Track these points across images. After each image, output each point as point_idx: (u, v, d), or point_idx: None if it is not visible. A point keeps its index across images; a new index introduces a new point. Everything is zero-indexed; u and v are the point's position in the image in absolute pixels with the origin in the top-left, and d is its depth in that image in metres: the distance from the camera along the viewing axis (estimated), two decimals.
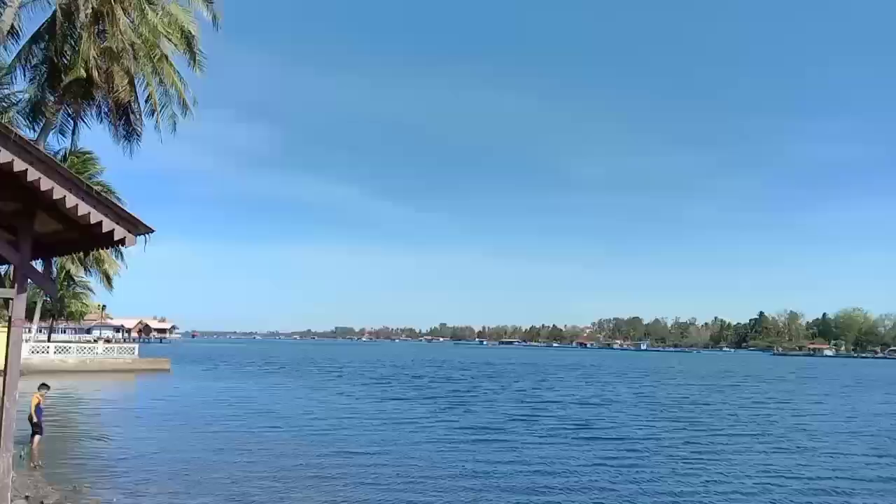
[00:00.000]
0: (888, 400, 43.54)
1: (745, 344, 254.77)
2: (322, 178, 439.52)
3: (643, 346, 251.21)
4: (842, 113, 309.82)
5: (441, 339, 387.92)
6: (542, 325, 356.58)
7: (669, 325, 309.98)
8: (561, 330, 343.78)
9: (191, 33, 23.08)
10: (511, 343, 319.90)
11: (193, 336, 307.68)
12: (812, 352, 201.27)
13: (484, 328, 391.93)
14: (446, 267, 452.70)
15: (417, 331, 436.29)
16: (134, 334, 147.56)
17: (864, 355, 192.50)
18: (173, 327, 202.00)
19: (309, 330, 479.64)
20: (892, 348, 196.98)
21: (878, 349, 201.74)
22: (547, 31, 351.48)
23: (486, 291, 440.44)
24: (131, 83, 21.62)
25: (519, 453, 18.96)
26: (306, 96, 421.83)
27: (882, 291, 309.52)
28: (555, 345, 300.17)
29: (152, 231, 8.10)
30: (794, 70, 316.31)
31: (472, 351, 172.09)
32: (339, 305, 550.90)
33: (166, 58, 23.15)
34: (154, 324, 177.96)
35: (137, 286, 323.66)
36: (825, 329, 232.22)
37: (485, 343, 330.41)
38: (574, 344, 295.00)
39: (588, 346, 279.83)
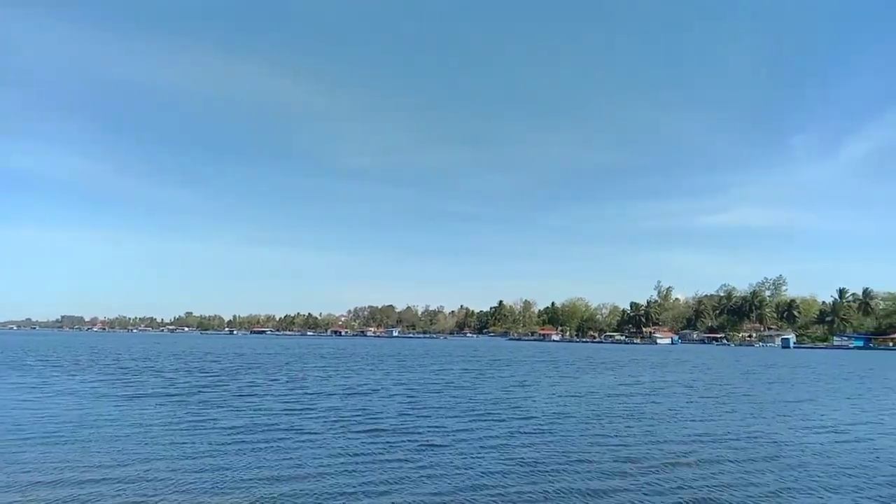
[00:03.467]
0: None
1: (485, 330, 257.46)
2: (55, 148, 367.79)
3: (395, 333, 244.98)
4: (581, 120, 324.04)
5: (186, 329, 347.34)
6: (297, 314, 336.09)
7: (420, 312, 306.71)
8: (316, 318, 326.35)
9: None
10: (264, 332, 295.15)
11: None
12: (542, 336, 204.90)
13: (235, 317, 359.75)
14: (195, 254, 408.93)
15: (159, 320, 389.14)
16: None
17: (584, 340, 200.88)
18: None
19: (28, 319, 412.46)
20: (608, 333, 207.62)
21: (595, 334, 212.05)
22: (336, 24, 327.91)
23: (239, 280, 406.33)
24: None
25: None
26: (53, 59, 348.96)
27: (600, 284, 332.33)
28: (309, 333, 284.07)
29: None
30: (549, 77, 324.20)
31: (217, 341, 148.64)
32: (67, 293, 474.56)
33: None
34: None
35: None
36: (554, 317, 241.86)
37: (235, 332, 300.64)
38: (329, 332, 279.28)
39: (342, 333, 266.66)
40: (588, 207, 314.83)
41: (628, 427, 20.27)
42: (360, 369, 46.19)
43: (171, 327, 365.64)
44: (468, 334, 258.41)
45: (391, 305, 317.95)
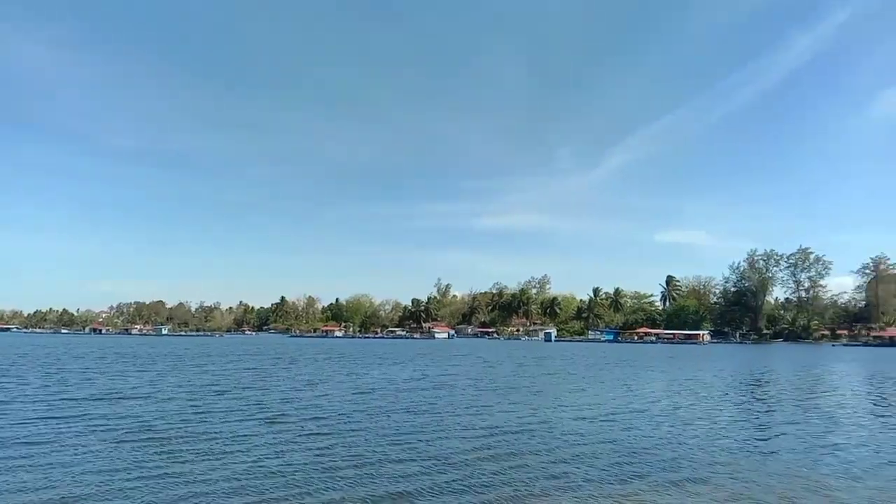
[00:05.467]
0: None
1: (266, 327, 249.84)
2: None
3: (165, 331, 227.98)
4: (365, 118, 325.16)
5: None
6: (50, 309, 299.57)
7: (194, 309, 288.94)
8: (73, 314, 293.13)
9: None
10: (8, 329, 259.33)
11: None
12: (325, 333, 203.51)
13: None
14: None
15: None
16: None
17: (367, 335, 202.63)
18: None
19: None
20: (390, 328, 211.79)
21: (378, 330, 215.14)
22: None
23: None
24: None
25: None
26: None
27: (384, 281, 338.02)
28: (64, 331, 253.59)
29: None
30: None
31: None
32: None
33: None
34: None
35: None
36: (338, 313, 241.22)
37: None
38: (87, 330, 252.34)
39: (103, 331, 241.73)
40: (374, 205, 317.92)
41: (422, 421, 20.71)
42: (128, 372, 42.24)
43: None
44: (247, 332, 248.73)
45: (161, 301, 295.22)
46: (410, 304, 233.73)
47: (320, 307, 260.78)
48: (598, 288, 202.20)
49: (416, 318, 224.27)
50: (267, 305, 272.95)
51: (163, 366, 48.21)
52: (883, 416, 24.57)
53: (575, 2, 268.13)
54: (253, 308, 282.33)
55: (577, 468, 14.26)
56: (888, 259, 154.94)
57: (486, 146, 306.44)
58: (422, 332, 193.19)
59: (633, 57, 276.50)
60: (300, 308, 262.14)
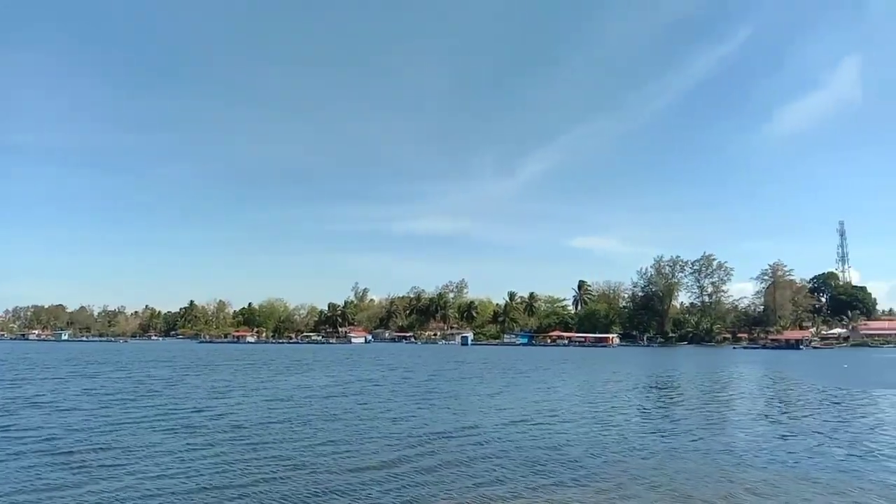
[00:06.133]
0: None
1: (174, 332, 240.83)
2: None
3: (65, 337, 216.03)
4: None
5: None
6: None
7: (97, 313, 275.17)
8: None
9: None
10: None
11: None
12: (237, 338, 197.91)
13: None
14: None
15: None
16: None
17: (280, 341, 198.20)
18: None
19: None
20: (305, 333, 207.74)
21: (293, 335, 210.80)
22: None
23: None
24: None
25: None
26: None
27: (299, 284, 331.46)
28: None
29: None
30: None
31: None
32: None
33: None
34: None
35: None
36: (250, 317, 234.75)
37: None
38: None
39: None
40: (290, 206, 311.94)
41: (342, 429, 20.66)
42: (27, 380, 39.99)
43: None
44: (154, 337, 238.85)
45: (61, 305, 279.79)
46: (327, 308, 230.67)
47: (231, 312, 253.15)
48: (513, 292, 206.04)
49: (332, 322, 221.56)
50: (175, 310, 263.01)
51: (64, 372, 45.90)
52: (772, 414, 26.30)
53: (498, 9, 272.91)
54: (160, 312, 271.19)
55: (499, 472, 14.67)
56: (785, 266, 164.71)
57: (406, 149, 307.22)
58: (338, 338, 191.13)
59: (552, 66, 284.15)
60: (210, 313, 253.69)
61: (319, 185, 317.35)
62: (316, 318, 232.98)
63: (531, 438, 19.03)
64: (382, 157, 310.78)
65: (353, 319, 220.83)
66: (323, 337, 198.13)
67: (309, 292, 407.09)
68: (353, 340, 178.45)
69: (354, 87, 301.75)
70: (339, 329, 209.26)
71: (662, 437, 19.79)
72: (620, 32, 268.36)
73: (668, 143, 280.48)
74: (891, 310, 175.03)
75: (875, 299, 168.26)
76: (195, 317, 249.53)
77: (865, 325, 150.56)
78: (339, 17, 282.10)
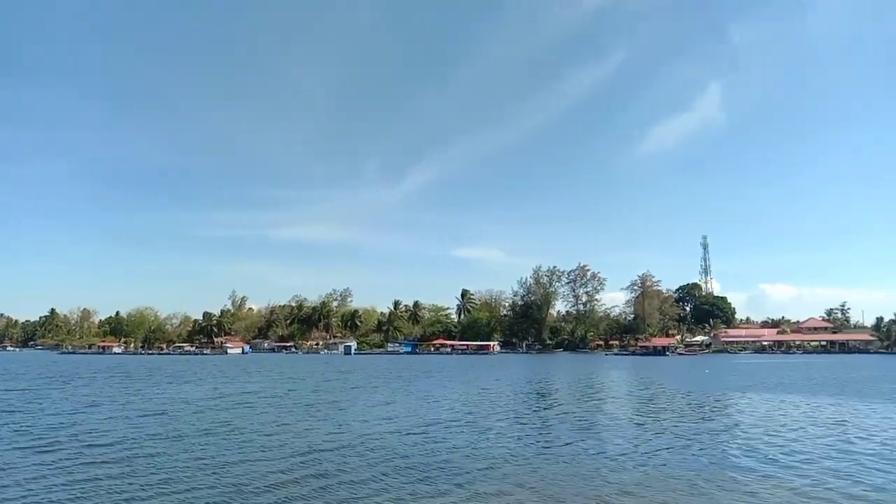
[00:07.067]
0: None
1: (32, 342, 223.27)
2: None
3: None
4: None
5: None
6: None
7: None
8: None
9: None
10: None
11: None
12: (102, 349, 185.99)
13: None
14: None
15: None
16: None
17: (151, 351, 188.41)
18: None
19: None
20: (177, 344, 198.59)
21: (164, 345, 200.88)
22: None
23: None
24: None
25: None
26: None
27: (171, 292, 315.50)
28: None
29: None
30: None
31: None
32: None
33: None
34: None
35: None
36: (118, 327, 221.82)
37: None
38: None
39: None
40: (163, 209, 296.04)
41: (222, 443, 19.95)
42: None
43: None
44: (9, 347, 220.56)
45: None
46: (202, 317, 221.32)
47: (97, 321, 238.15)
48: (398, 301, 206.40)
49: (207, 332, 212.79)
50: (34, 318, 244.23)
51: None
52: (640, 418, 27.92)
53: (387, 18, 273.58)
54: (17, 321, 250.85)
55: (383, 482, 14.74)
56: (653, 277, 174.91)
57: (289, 154, 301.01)
58: (213, 348, 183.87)
59: (439, 77, 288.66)
60: (73, 322, 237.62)
61: (197, 189, 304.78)
62: (190, 328, 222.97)
63: (415, 447, 19.22)
64: (265, 161, 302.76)
65: (229, 329, 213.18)
66: (197, 348, 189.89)
67: (182, 301, 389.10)
68: (229, 351, 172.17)
69: (236, 88, 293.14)
70: (215, 339, 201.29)
71: (540, 442, 20.57)
72: (504, 48, 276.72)
73: (548, 157, 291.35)
74: (748, 318, 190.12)
75: (734, 308, 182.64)
76: (57, 326, 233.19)
77: (725, 332, 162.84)
78: (220, 16, 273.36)
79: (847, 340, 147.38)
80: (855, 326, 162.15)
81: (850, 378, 53.99)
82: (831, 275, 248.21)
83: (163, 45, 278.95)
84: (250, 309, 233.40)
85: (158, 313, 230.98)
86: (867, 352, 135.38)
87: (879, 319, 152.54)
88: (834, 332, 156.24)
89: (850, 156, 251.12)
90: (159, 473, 15.46)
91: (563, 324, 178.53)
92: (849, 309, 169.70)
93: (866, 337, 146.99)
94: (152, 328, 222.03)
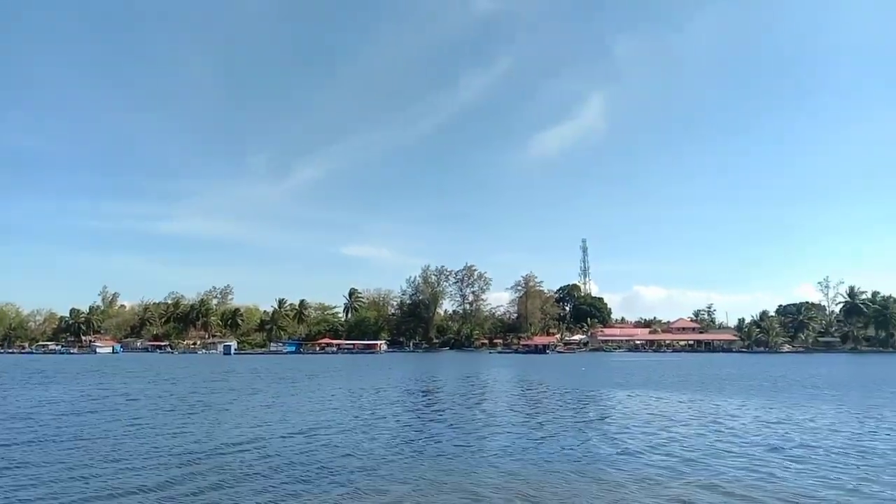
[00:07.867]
0: None
1: None
2: None
3: None
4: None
5: None
6: None
7: None
8: None
9: None
10: None
11: None
12: None
13: None
14: None
15: None
16: None
17: (10, 350, 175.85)
18: None
19: None
20: (41, 342, 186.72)
21: (26, 344, 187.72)
22: None
23: None
24: None
25: None
26: None
27: (34, 285, 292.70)
28: None
29: None
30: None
31: None
32: None
33: None
34: None
35: None
36: None
37: None
38: None
39: None
40: (26, 198, 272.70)
41: (97, 449, 18.91)
42: None
43: None
44: None
45: None
46: (69, 314, 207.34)
47: None
48: (283, 299, 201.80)
49: (74, 330, 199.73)
50: None
51: None
52: (521, 413, 28.97)
53: (276, 8, 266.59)
54: None
55: (267, 489, 14.44)
56: (536, 277, 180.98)
57: (171, 144, 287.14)
58: (81, 347, 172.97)
59: (329, 74, 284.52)
60: None
61: (63, 178, 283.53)
62: (55, 326, 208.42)
63: (295, 449, 19.04)
64: (144, 151, 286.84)
65: (99, 327, 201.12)
66: (63, 346, 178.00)
67: (47, 296, 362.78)
68: (98, 350, 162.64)
69: (115, 76, 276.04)
70: (83, 338, 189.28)
71: (422, 440, 20.94)
72: (397, 48, 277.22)
73: (437, 158, 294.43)
74: (623, 318, 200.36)
75: (610, 309, 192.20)
76: None
77: (602, 331, 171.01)
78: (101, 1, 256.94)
79: (712, 340, 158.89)
80: (720, 327, 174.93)
81: (713, 375, 58.23)
82: (699, 278, 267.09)
83: (38, 29, 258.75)
84: (122, 306, 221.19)
85: (20, 309, 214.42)
86: (730, 350, 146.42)
87: (741, 321, 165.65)
88: (701, 332, 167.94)
89: (716, 170, 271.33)
90: (22, 484, 14.42)
91: (449, 323, 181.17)
92: (714, 310, 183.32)
93: (730, 337, 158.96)
94: (13, 326, 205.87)
